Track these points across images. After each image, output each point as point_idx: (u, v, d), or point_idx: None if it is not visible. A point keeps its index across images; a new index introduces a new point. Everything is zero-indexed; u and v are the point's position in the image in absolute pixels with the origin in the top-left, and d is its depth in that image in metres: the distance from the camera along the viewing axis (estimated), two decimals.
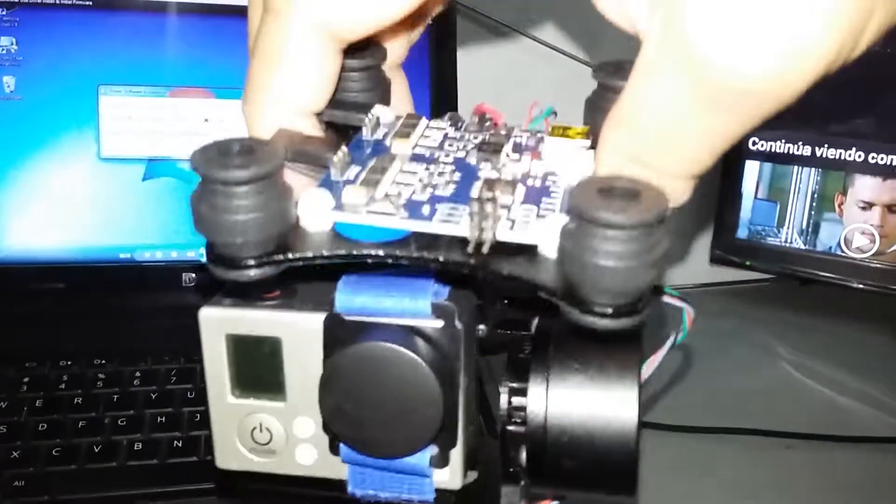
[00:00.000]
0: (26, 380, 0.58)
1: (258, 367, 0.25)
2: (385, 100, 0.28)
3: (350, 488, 0.25)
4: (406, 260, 0.21)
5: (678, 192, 0.22)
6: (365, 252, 0.21)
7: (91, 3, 0.64)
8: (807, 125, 0.76)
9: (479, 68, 0.75)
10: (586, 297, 0.19)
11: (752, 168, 0.78)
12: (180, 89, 0.66)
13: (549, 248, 0.21)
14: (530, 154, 0.25)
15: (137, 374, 0.59)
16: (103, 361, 0.60)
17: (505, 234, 0.21)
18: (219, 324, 0.25)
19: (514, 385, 0.25)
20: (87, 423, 0.54)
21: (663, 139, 0.21)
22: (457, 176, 0.24)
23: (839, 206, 0.75)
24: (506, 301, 0.27)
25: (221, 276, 0.22)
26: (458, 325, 0.23)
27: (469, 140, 0.26)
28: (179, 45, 0.66)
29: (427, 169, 0.24)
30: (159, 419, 0.55)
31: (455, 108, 0.65)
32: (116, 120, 0.65)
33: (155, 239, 0.66)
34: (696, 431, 0.62)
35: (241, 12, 0.65)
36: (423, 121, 0.27)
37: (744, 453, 0.61)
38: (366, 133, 0.26)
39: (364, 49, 0.27)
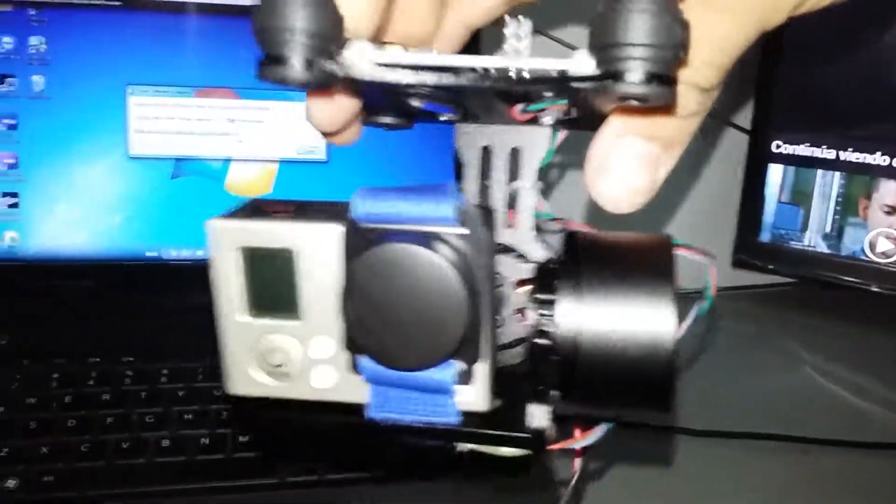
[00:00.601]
0: (55, 376, 0.58)
1: (272, 284, 0.23)
2: None
3: (370, 412, 0.24)
4: (444, 84, 0.21)
5: (692, 102, 0.23)
6: (401, 77, 0.21)
7: (120, 3, 0.65)
8: (831, 129, 0.75)
9: None
10: (618, 65, 0.19)
11: (775, 171, 0.78)
12: (206, 90, 0.66)
13: (577, 65, 0.20)
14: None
15: (165, 371, 0.59)
16: (131, 359, 0.60)
17: (536, 63, 0.21)
18: (230, 235, 0.23)
19: (543, 297, 0.23)
20: (115, 420, 0.55)
21: None
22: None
23: (863, 210, 0.75)
24: None
25: (272, 76, 0.20)
26: (483, 231, 0.22)
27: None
28: (206, 46, 0.66)
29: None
30: (186, 416, 0.56)
31: None
32: (144, 119, 0.65)
33: (182, 237, 0.66)
34: (718, 436, 0.62)
35: None
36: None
37: (766, 458, 0.61)
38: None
39: None
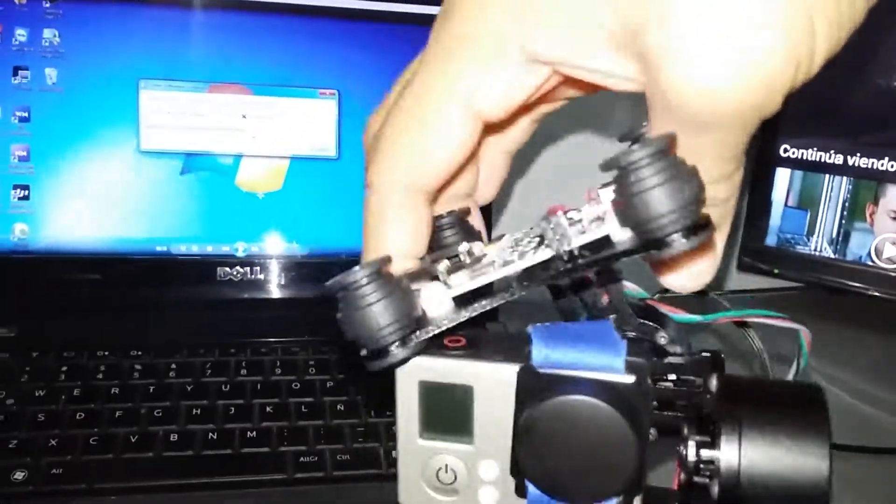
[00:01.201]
0: (64, 369, 0.59)
1: (448, 413, 0.27)
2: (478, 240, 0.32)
3: None
4: (508, 298, 0.25)
5: (722, 191, 0.25)
6: (482, 303, 0.25)
7: None
8: (839, 134, 0.76)
9: None
10: (655, 233, 0.22)
11: (782, 175, 0.78)
12: (219, 85, 0.66)
13: (618, 234, 0.24)
14: (588, 202, 0.27)
15: (173, 366, 0.60)
16: (139, 353, 0.61)
17: (579, 240, 0.24)
18: (414, 371, 0.26)
19: (702, 439, 0.26)
20: (123, 414, 0.55)
21: (690, 160, 0.24)
22: (536, 240, 0.27)
23: (870, 215, 0.75)
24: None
25: (378, 367, 0.25)
26: (649, 380, 0.25)
27: (542, 225, 0.29)
28: (219, 42, 0.66)
29: (514, 247, 0.27)
30: (194, 411, 0.56)
31: None
32: (156, 114, 0.65)
33: (191, 232, 0.67)
34: None
35: (280, 10, 0.66)
36: (507, 235, 0.30)
37: None
38: (463, 258, 0.29)
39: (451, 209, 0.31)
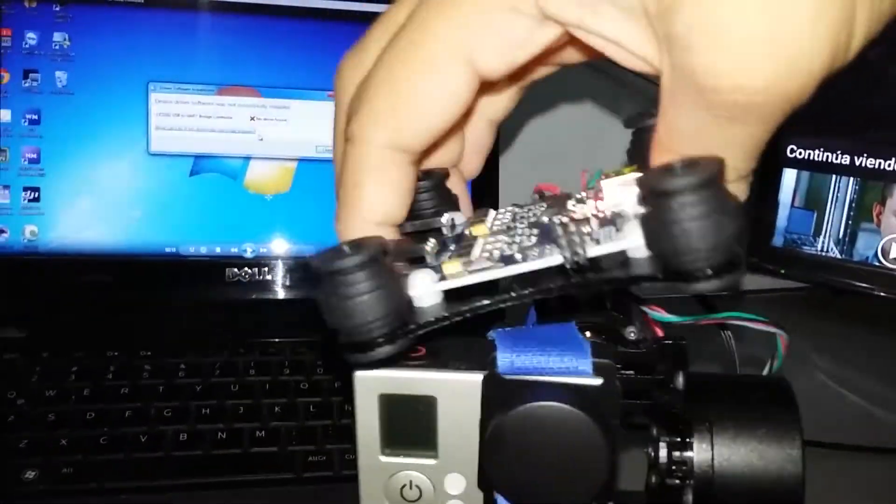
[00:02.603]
0: (74, 369, 0.59)
1: (411, 426, 0.25)
2: (455, 209, 0.30)
3: None
4: (517, 300, 0.23)
5: (735, 191, 0.24)
6: (479, 304, 0.23)
7: (142, 0, 0.66)
8: (846, 134, 0.75)
9: None
10: (685, 265, 0.21)
11: (789, 176, 0.78)
12: (228, 87, 0.67)
13: (637, 250, 0.22)
14: (593, 199, 0.26)
15: (182, 366, 0.60)
16: (149, 353, 0.61)
17: (594, 250, 0.22)
18: (373, 384, 0.25)
19: (673, 439, 0.25)
20: (133, 413, 0.56)
21: (702, 154, 0.23)
22: (535, 232, 0.25)
23: (877, 216, 0.75)
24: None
25: (358, 361, 0.23)
26: (616, 382, 0.24)
27: (535, 211, 0.28)
28: (228, 45, 0.67)
29: (509, 236, 0.25)
30: (204, 411, 0.56)
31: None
32: (165, 116, 0.66)
33: (200, 234, 0.67)
34: None
35: (288, 13, 0.67)
36: (491, 211, 0.29)
37: None
38: (445, 231, 0.28)
39: (429, 170, 0.29)
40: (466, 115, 0.28)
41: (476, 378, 0.24)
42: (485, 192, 0.67)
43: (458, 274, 0.23)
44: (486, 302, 0.23)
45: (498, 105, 0.31)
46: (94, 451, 0.53)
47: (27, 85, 0.65)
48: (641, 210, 0.22)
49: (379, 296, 0.22)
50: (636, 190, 0.25)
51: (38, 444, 0.53)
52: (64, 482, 0.51)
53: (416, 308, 0.24)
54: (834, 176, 0.76)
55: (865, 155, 0.75)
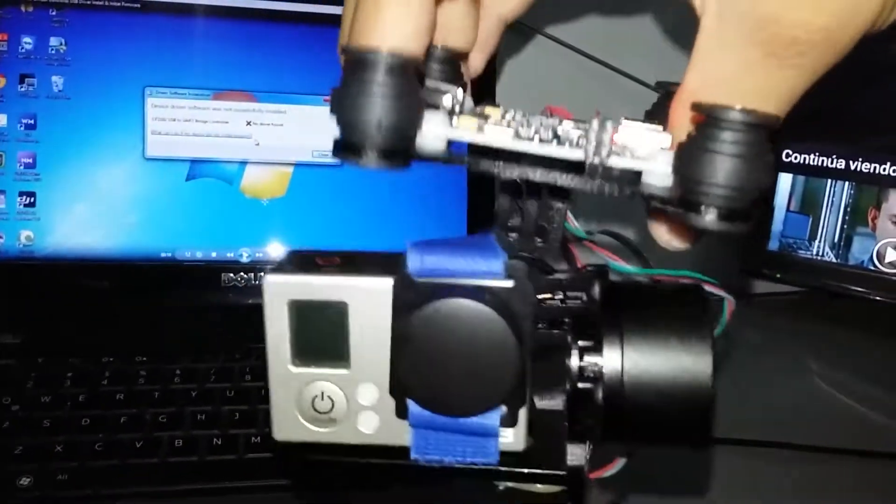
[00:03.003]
0: (69, 375, 0.59)
1: (322, 335, 0.25)
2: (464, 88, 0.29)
3: (413, 454, 0.25)
4: (516, 175, 0.23)
5: None
6: (481, 167, 0.23)
7: (139, 5, 0.66)
8: (841, 139, 0.76)
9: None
10: (699, 196, 0.21)
11: (785, 180, 0.78)
12: (224, 92, 0.67)
13: (654, 175, 0.22)
14: (612, 131, 0.25)
15: (178, 371, 0.60)
16: (144, 358, 0.61)
17: (615, 160, 0.22)
18: (283, 289, 0.24)
19: (585, 343, 0.25)
20: (128, 419, 0.55)
21: (738, 104, 0.22)
22: (551, 132, 0.24)
23: (872, 220, 0.75)
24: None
25: (342, 158, 0.23)
26: (527, 282, 0.23)
27: (551, 122, 0.27)
28: (224, 50, 0.67)
29: (523, 118, 0.25)
30: (199, 417, 0.56)
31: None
32: (161, 121, 0.66)
33: (196, 238, 0.67)
34: (724, 444, 0.62)
35: (284, 18, 0.67)
36: (501, 107, 0.28)
37: (771, 466, 0.61)
38: (459, 95, 0.26)
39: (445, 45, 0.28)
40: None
41: (387, 282, 0.24)
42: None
43: (471, 128, 0.23)
44: (484, 162, 0.23)
45: (510, 2, 0.31)
46: (90, 457, 0.52)
47: (23, 89, 0.65)
48: (667, 140, 0.22)
49: (394, 106, 0.22)
50: (655, 137, 0.24)
51: (33, 450, 0.52)
52: (59, 488, 0.50)
53: (418, 144, 0.23)
54: (829, 180, 0.77)
55: (861, 159, 0.75)
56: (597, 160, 0.22)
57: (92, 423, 0.55)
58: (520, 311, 0.23)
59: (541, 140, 0.23)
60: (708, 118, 0.21)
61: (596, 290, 0.26)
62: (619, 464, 0.27)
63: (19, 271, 0.65)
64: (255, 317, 0.69)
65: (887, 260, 0.74)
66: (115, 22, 0.65)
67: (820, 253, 0.78)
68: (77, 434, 0.54)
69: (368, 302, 0.24)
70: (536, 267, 0.27)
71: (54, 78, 0.65)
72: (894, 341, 0.75)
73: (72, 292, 0.66)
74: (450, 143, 0.24)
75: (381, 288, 0.24)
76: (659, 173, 0.22)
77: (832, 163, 0.76)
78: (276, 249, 0.68)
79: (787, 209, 0.79)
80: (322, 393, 0.25)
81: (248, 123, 0.67)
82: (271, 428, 0.26)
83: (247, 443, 0.54)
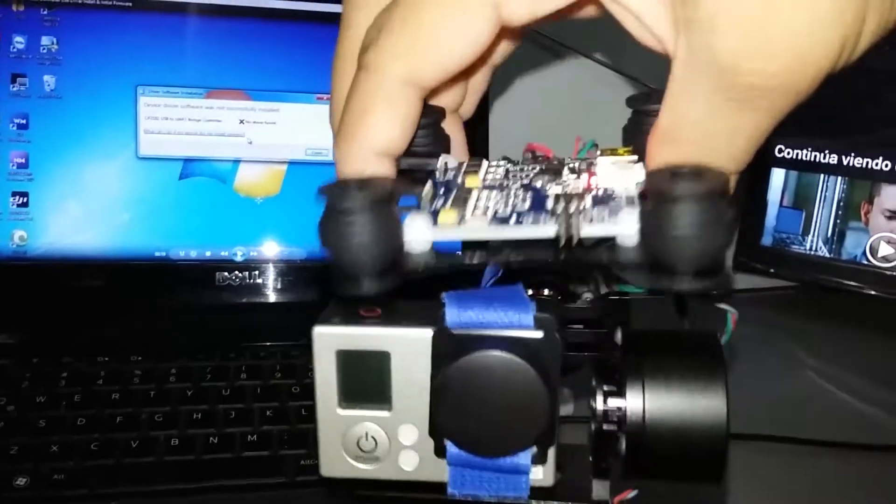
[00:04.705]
0: (64, 375, 0.59)
1: (366, 380, 0.27)
2: (447, 151, 0.31)
3: (450, 489, 0.27)
4: (501, 261, 0.25)
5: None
6: (466, 260, 0.25)
7: (130, 4, 0.65)
8: (833, 134, 0.76)
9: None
10: (672, 266, 0.22)
11: (778, 176, 0.79)
12: (217, 91, 0.67)
13: (626, 238, 0.23)
14: (587, 173, 0.27)
15: (173, 370, 0.60)
16: (139, 358, 0.61)
17: (588, 230, 0.24)
18: (330, 340, 0.27)
19: (609, 388, 0.27)
20: (124, 419, 0.55)
21: (705, 144, 0.24)
22: (529, 195, 0.26)
23: (865, 214, 0.75)
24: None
25: (347, 293, 0.24)
26: (557, 335, 0.25)
27: (528, 171, 0.29)
28: (217, 48, 0.67)
29: (501, 194, 0.27)
30: (195, 416, 0.56)
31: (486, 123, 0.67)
32: (154, 120, 0.66)
33: (190, 237, 0.67)
34: None
35: (277, 16, 0.67)
36: (484, 161, 0.30)
37: (766, 460, 0.61)
38: (438, 175, 0.29)
39: (427, 107, 0.30)
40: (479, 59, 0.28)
41: (426, 333, 0.26)
42: (474, 141, 0.67)
43: (453, 226, 0.25)
44: (474, 258, 0.25)
45: (498, 50, 0.32)
46: (86, 456, 0.53)
47: (15, 89, 0.65)
48: (637, 200, 0.24)
49: (377, 238, 0.24)
50: (630, 174, 0.26)
51: (29, 450, 0.52)
52: (55, 488, 0.51)
53: (406, 252, 0.25)
54: (822, 175, 0.77)
55: (853, 154, 0.75)
56: (571, 237, 0.24)
57: (87, 423, 0.55)
58: (548, 360, 0.25)
59: (517, 219, 0.25)
60: (659, 194, 0.22)
61: (619, 335, 0.28)
62: (633, 493, 0.29)
63: (13, 271, 0.65)
64: (249, 315, 0.70)
65: (880, 254, 0.75)
66: (107, 21, 0.65)
67: (813, 248, 0.78)
68: (72, 434, 0.54)
69: (409, 351, 0.26)
70: (564, 296, 0.29)
71: (46, 77, 0.65)
72: (888, 335, 0.76)
73: (66, 292, 0.66)
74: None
75: (421, 338, 0.26)
76: (631, 234, 0.23)
77: (825, 158, 0.77)
78: (270, 248, 0.68)
79: (780, 204, 0.79)
80: (366, 433, 0.27)
81: (242, 122, 0.67)
82: (319, 465, 0.28)
83: (243, 441, 0.54)
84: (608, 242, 0.24)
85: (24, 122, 0.65)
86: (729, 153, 0.24)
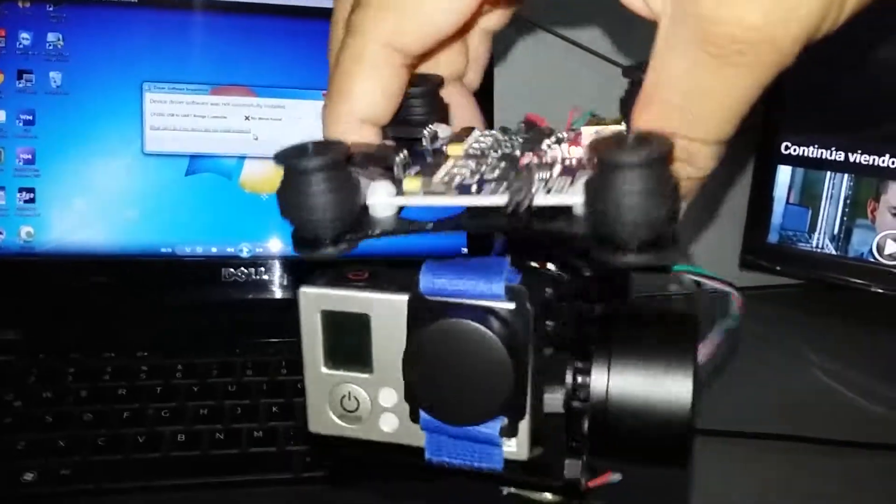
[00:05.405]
0: (71, 370, 0.59)
1: (349, 341, 0.27)
2: (444, 121, 0.31)
3: (427, 455, 0.27)
4: (451, 228, 0.25)
5: (708, 157, 0.25)
6: (427, 227, 0.25)
7: (136, 0, 0.65)
8: (840, 131, 0.76)
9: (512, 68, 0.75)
10: (614, 237, 0.22)
11: (784, 173, 0.78)
12: (222, 87, 0.67)
13: (579, 208, 0.23)
14: (568, 143, 0.28)
15: (179, 366, 0.60)
16: (146, 354, 0.61)
17: (542, 199, 0.24)
18: (316, 300, 0.27)
19: (579, 365, 0.27)
20: (131, 414, 0.56)
21: (688, 106, 0.24)
22: (503, 164, 0.27)
23: (872, 212, 0.75)
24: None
25: (306, 256, 0.25)
26: (529, 307, 0.25)
27: (517, 141, 0.29)
28: (222, 44, 0.67)
29: (477, 163, 0.27)
30: (201, 411, 0.56)
31: (491, 105, 0.66)
32: (160, 116, 0.66)
33: (196, 234, 0.67)
34: (723, 435, 0.62)
35: (283, 12, 0.67)
36: (476, 131, 0.30)
37: (772, 457, 0.61)
38: (425, 143, 0.29)
39: (424, 76, 0.30)
40: (466, 25, 0.28)
41: (402, 298, 0.26)
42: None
43: (415, 192, 0.25)
44: (429, 225, 0.25)
45: (493, 16, 0.31)
46: (92, 452, 0.53)
47: (21, 85, 0.65)
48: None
49: (332, 199, 0.24)
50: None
51: (36, 446, 0.53)
52: (62, 483, 0.51)
53: (370, 216, 0.25)
54: (828, 173, 0.77)
55: (859, 151, 0.75)
56: (518, 205, 0.24)
57: (94, 419, 0.55)
58: (519, 332, 0.25)
59: (479, 188, 0.25)
60: (600, 160, 0.22)
61: (597, 310, 0.28)
62: (613, 476, 0.29)
63: (20, 267, 0.65)
64: (255, 311, 0.70)
65: (887, 252, 0.75)
66: (113, 17, 0.65)
67: (820, 245, 0.78)
68: (79, 429, 0.54)
69: (388, 315, 0.27)
70: (570, 271, 0.28)
71: (52, 73, 0.65)
72: (894, 332, 0.76)
73: (73, 288, 0.66)
74: (400, 209, 0.26)
75: (397, 304, 0.26)
76: (581, 204, 0.23)
77: (831, 155, 0.76)
78: (276, 245, 0.68)
79: (787, 202, 0.79)
80: (349, 393, 0.28)
81: (247, 118, 0.67)
82: (307, 421, 0.29)
83: (249, 437, 0.55)
84: (566, 214, 0.24)
85: (30, 118, 0.65)
86: (710, 119, 0.24)
